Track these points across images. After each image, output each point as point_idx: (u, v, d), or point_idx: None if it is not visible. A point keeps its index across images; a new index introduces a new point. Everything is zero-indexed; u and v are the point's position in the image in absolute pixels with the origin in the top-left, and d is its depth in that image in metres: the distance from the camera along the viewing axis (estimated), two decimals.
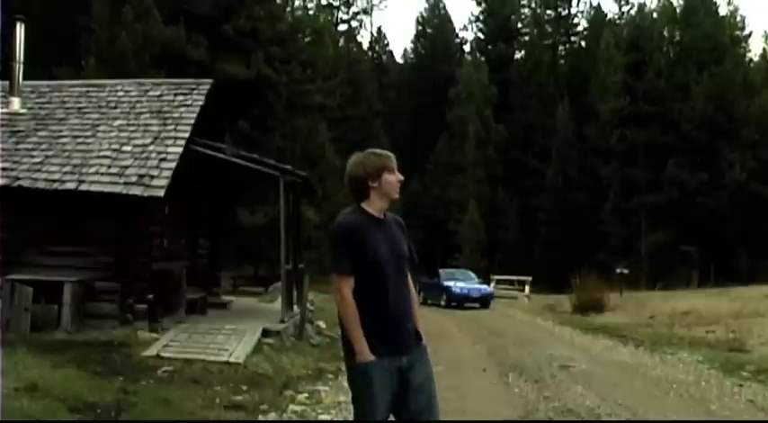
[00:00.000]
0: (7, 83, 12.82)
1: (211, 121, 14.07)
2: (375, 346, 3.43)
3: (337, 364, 9.48)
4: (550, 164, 46.44)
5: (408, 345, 3.56)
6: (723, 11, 46.92)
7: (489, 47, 55.49)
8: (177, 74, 20.06)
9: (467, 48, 58.95)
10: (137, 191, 10.97)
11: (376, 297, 3.48)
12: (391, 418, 3.57)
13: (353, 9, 58.75)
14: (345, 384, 4.19)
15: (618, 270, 27.86)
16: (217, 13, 29.61)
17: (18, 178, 11.26)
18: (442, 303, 24.92)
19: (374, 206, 3.59)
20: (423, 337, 3.67)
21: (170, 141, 11.97)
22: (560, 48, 59.00)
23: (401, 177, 3.67)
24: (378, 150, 3.75)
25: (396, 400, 3.49)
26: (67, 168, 11.45)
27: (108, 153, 11.74)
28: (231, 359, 9.42)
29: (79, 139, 12.14)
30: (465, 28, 78.47)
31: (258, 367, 9.32)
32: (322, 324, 14.90)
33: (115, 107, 13.00)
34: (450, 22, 59.70)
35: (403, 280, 3.62)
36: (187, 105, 12.86)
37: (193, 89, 13.34)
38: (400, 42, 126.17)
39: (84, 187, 11.11)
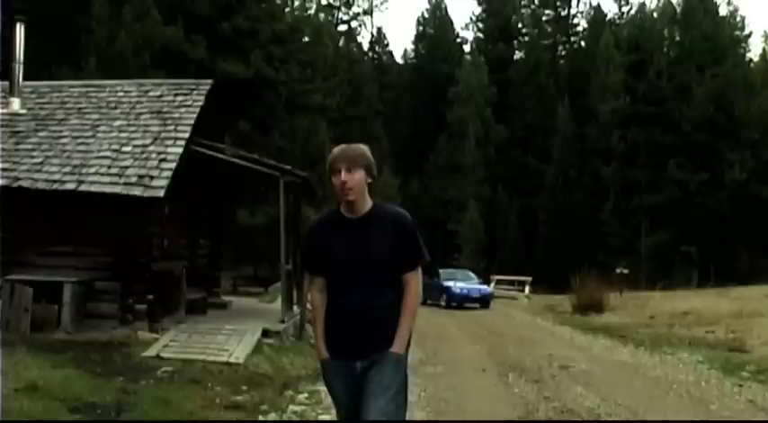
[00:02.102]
0: (7, 83, 12.86)
1: (211, 122, 14.07)
2: (328, 346, 3.47)
3: None
4: (550, 164, 46.47)
5: (364, 351, 3.37)
6: (723, 11, 47.08)
7: (489, 47, 55.48)
8: (177, 74, 20.06)
9: (467, 48, 59.00)
10: (137, 191, 10.97)
11: (333, 298, 3.46)
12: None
13: (354, 9, 58.82)
14: None
15: (618, 270, 27.85)
16: (216, 12, 29.60)
17: (18, 179, 11.26)
18: (442, 303, 24.91)
19: (343, 207, 3.49)
20: (395, 346, 3.36)
21: (170, 142, 11.97)
22: (560, 48, 59.04)
23: (342, 179, 3.39)
24: (335, 149, 3.55)
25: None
26: (67, 169, 11.44)
27: (108, 153, 11.74)
28: (231, 359, 9.42)
29: (79, 140, 12.13)
30: (465, 28, 78.58)
31: (258, 367, 9.32)
32: None
33: (115, 107, 13.00)
34: (450, 22, 59.71)
35: (374, 283, 3.38)
36: (187, 106, 12.85)
37: (193, 89, 13.34)
38: (400, 42, 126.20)
39: (84, 188, 11.10)
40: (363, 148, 3.52)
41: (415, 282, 3.46)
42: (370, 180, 3.46)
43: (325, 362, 3.49)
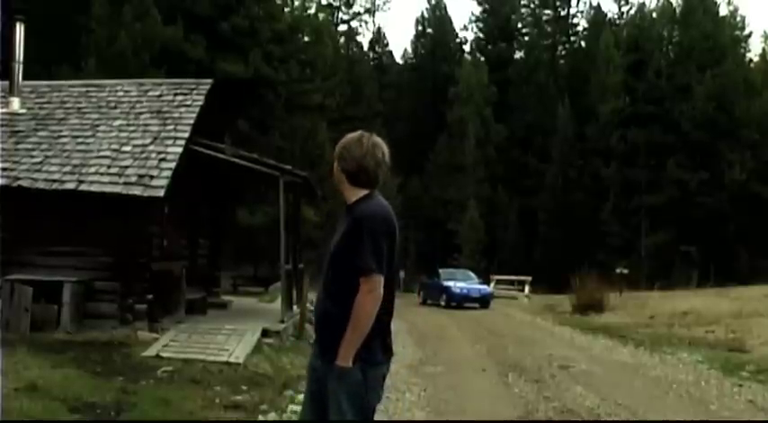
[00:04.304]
0: (7, 83, 12.86)
1: (211, 121, 14.08)
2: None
3: None
4: (550, 164, 46.48)
5: (320, 351, 3.30)
6: (723, 11, 47.09)
7: (489, 47, 55.53)
8: (177, 73, 20.07)
9: (467, 48, 59.02)
10: (136, 191, 10.97)
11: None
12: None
13: (354, 9, 58.81)
14: None
15: (618, 270, 27.82)
16: (215, 12, 29.62)
17: (18, 178, 11.26)
18: (442, 303, 24.91)
19: None
20: (338, 357, 3.14)
21: (170, 141, 11.97)
22: (560, 48, 59.05)
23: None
24: None
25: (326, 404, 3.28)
26: (67, 168, 11.45)
27: (108, 153, 11.74)
28: (231, 359, 9.42)
29: (79, 140, 12.14)
30: (465, 28, 78.48)
31: (258, 367, 9.32)
32: None
33: (115, 107, 13.01)
34: (450, 22, 59.73)
35: (329, 280, 3.30)
36: (187, 105, 12.86)
37: (193, 89, 13.35)
38: (400, 42, 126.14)
39: (83, 187, 11.11)
40: (346, 139, 3.44)
41: (363, 290, 3.14)
42: (341, 170, 3.37)
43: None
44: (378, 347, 3.24)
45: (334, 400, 3.16)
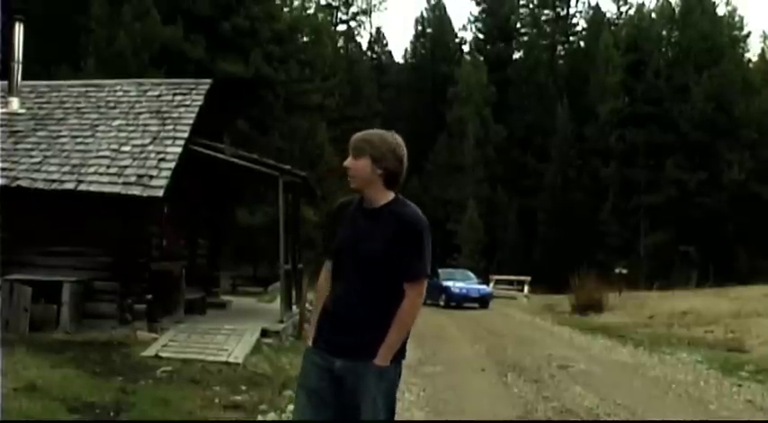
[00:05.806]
0: (6, 83, 12.87)
1: (210, 121, 14.08)
2: (318, 334, 3.33)
3: None
4: (550, 164, 46.52)
5: (340, 349, 3.19)
6: (721, 11, 47.21)
7: (488, 47, 55.56)
8: (176, 73, 20.08)
9: (466, 48, 59.10)
10: (136, 191, 10.97)
11: (332, 287, 3.33)
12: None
13: (353, 9, 58.85)
14: None
15: (617, 270, 27.83)
16: (215, 12, 29.63)
17: (17, 178, 11.26)
18: (441, 303, 24.88)
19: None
20: (378, 357, 3.14)
21: (169, 141, 11.97)
22: (559, 48, 59.10)
23: (345, 164, 3.28)
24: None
25: (334, 404, 3.24)
26: (66, 168, 11.44)
27: (107, 153, 11.74)
28: (230, 359, 9.42)
29: (78, 140, 12.14)
30: (464, 28, 78.53)
31: (257, 367, 9.32)
32: None
33: (114, 107, 13.00)
34: (449, 22, 59.78)
35: (362, 281, 3.18)
36: (186, 105, 12.85)
37: (192, 89, 13.34)
38: (400, 42, 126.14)
39: (83, 187, 11.10)
40: (379, 135, 3.32)
41: (412, 294, 3.17)
42: (380, 171, 3.22)
43: (306, 349, 3.35)
44: (404, 347, 3.31)
45: (370, 399, 3.16)
